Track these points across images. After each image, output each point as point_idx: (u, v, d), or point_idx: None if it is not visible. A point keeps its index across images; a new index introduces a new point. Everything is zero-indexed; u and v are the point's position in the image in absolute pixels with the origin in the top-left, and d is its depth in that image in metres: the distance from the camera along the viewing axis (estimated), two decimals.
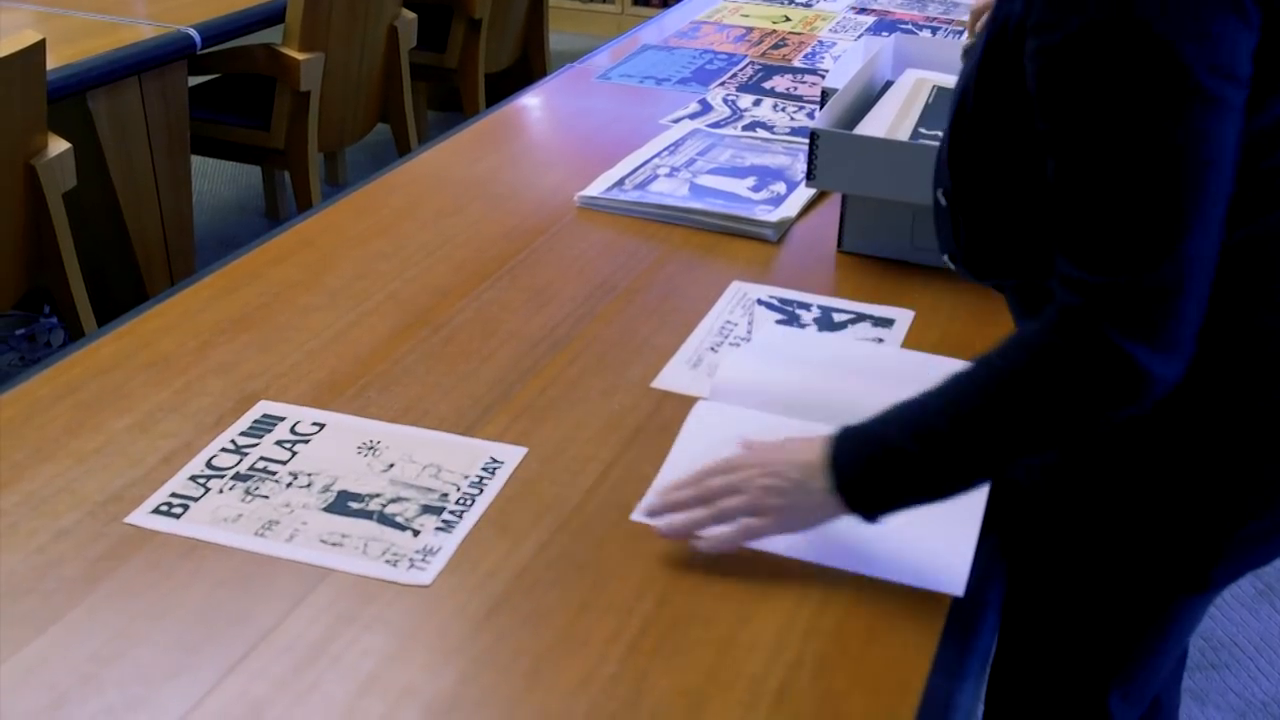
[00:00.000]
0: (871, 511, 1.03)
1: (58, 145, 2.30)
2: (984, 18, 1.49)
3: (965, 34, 1.57)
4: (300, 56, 2.92)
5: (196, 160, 3.03)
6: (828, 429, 1.05)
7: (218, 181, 4.05)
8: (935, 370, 1.28)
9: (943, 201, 1.15)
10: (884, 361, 1.38)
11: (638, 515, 1.12)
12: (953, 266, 1.19)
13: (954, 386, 1.01)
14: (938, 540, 1.09)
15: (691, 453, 1.20)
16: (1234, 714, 2.11)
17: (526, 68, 4.24)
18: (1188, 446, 1.06)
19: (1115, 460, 1.10)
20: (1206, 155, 0.90)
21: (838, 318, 1.49)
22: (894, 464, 1.00)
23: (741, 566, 1.07)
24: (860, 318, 1.49)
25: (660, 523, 1.08)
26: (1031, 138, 0.99)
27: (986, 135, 1.07)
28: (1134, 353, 0.92)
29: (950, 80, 1.82)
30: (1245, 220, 0.99)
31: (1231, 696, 2.15)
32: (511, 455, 1.21)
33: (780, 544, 1.08)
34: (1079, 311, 0.94)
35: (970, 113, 1.07)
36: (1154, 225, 0.91)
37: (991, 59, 1.03)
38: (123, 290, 2.81)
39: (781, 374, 1.31)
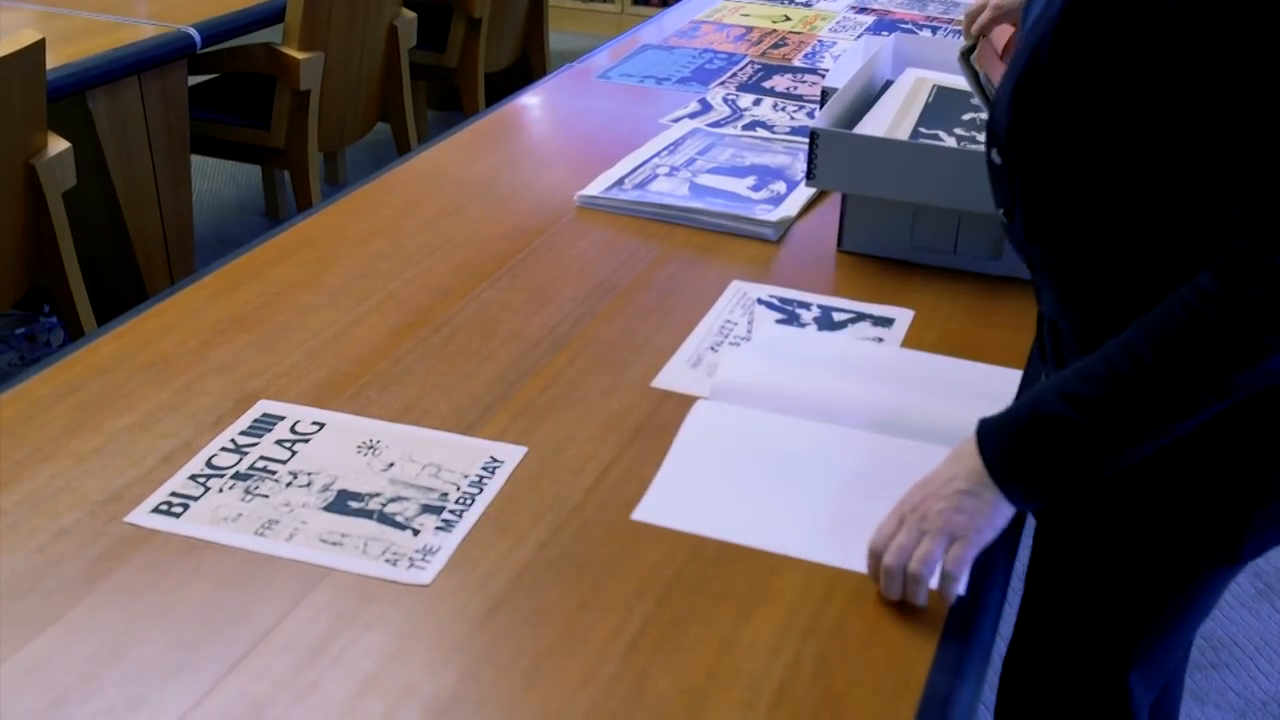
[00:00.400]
0: (1032, 488, 1.02)
1: (57, 145, 2.29)
2: (980, 18, 1.49)
3: (963, 36, 1.57)
4: (300, 56, 2.92)
5: (196, 160, 3.03)
6: (827, 427, 1.05)
7: (217, 181, 4.05)
8: (934, 369, 1.29)
9: (997, 160, 1.15)
10: (883, 361, 1.38)
11: None
12: (1006, 222, 1.19)
13: (1107, 353, 1.01)
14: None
15: (691, 453, 1.20)
16: (1234, 713, 2.11)
17: (526, 67, 4.24)
18: (1222, 417, 1.07)
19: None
20: None
21: (837, 317, 1.49)
22: (1054, 434, 1.01)
23: (741, 566, 1.07)
24: (860, 317, 1.49)
25: (891, 593, 1.04)
26: (1116, 95, 1.00)
27: (1062, 92, 1.05)
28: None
29: (950, 80, 1.82)
30: None
31: (1231, 696, 2.15)
32: (511, 455, 1.21)
33: (784, 544, 1.09)
34: (1251, 253, 0.94)
35: (1043, 69, 1.06)
36: None
37: (1080, 18, 1.02)
38: (122, 290, 2.81)
39: (781, 374, 1.32)
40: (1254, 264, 0.95)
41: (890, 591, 1.03)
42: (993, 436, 1.04)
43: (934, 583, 1.03)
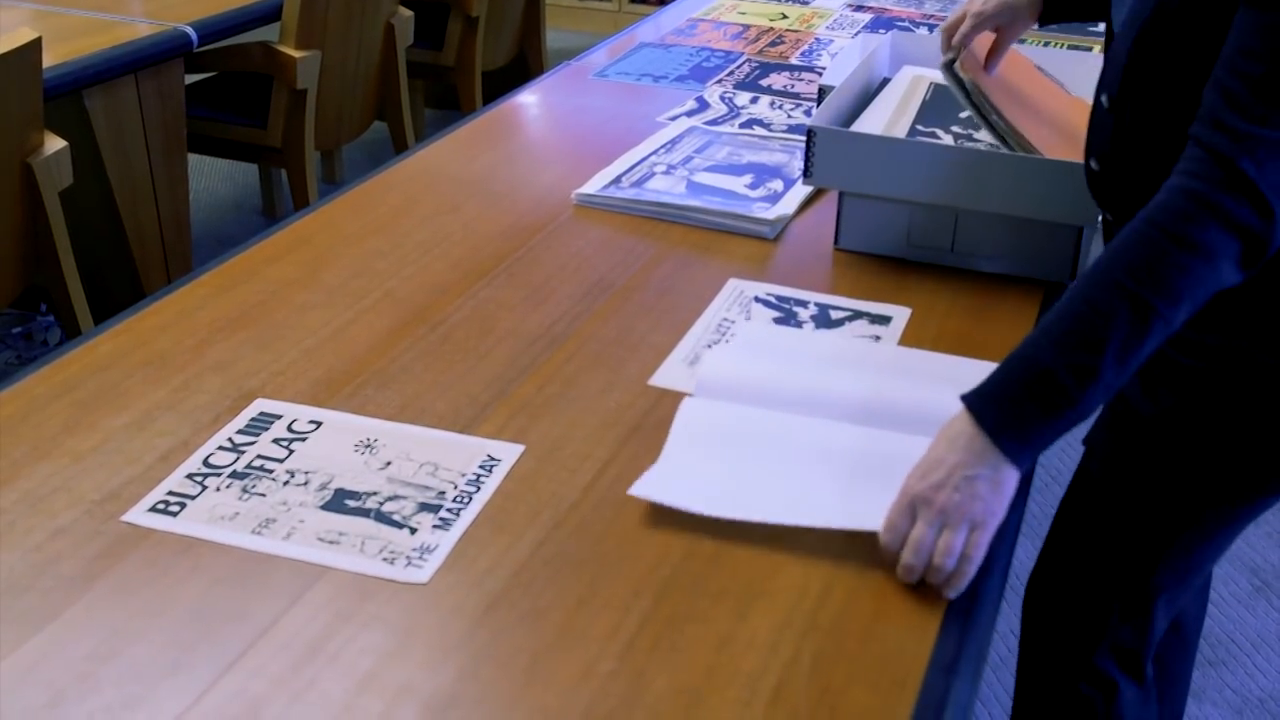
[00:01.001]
0: (1039, 444, 1.04)
1: (54, 143, 2.29)
2: (961, 29, 1.53)
3: (941, 49, 1.59)
4: (297, 54, 2.92)
5: (193, 158, 3.03)
6: (815, 421, 1.05)
7: (214, 179, 4.04)
8: (922, 364, 1.29)
9: (1105, 104, 1.20)
10: (871, 357, 1.38)
11: None
12: (1095, 169, 1.23)
13: (1083, 279, 1.04)
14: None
15: (685, 450, 1.21)
16: (1231, 710, 2.11)
17: (523, 65, 4.24)
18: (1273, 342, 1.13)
19: (1218, 364, 1.17)
20: None
21: (835, 315, 1.49)
22: (1051, 387, 1.02)
23: (738, 564, 1.07)
24: (857, 315, 1.49)
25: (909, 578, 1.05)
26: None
27: (1189, 34, 1.09)
28: (1267, 193, 0.97)
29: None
30: None
31: (1229, 693, 2.15)
32: (509, 453, 1.21)
33: (788, 514, 1.10)
34: (1222, 152, 0.99)
35: (1174, 8, 1.10)
36: None
37: None
38: (119, 288, 2.80)
39: (765, 369, 1.32)
40: (1217, 154, 1.00)
41: (908, 579, 1.04)
42: (989, 409, 1.04)
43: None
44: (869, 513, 1.09)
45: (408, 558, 1.06)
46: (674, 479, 1.15)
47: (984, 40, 1.59)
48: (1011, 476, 1.04)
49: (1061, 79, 1.79)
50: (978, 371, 1.09)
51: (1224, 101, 1.01)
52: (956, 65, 1.55)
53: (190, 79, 3.02)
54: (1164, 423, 1.23)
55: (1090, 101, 1.26)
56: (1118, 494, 1.31)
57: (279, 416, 1.26)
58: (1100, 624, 1.35)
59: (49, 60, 2.34)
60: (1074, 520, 1.37)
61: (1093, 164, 1.25)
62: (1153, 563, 1.30)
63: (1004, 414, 1.04)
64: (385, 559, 1.06)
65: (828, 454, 1.19)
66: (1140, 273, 1.01)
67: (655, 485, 1.14)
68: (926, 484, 1.05)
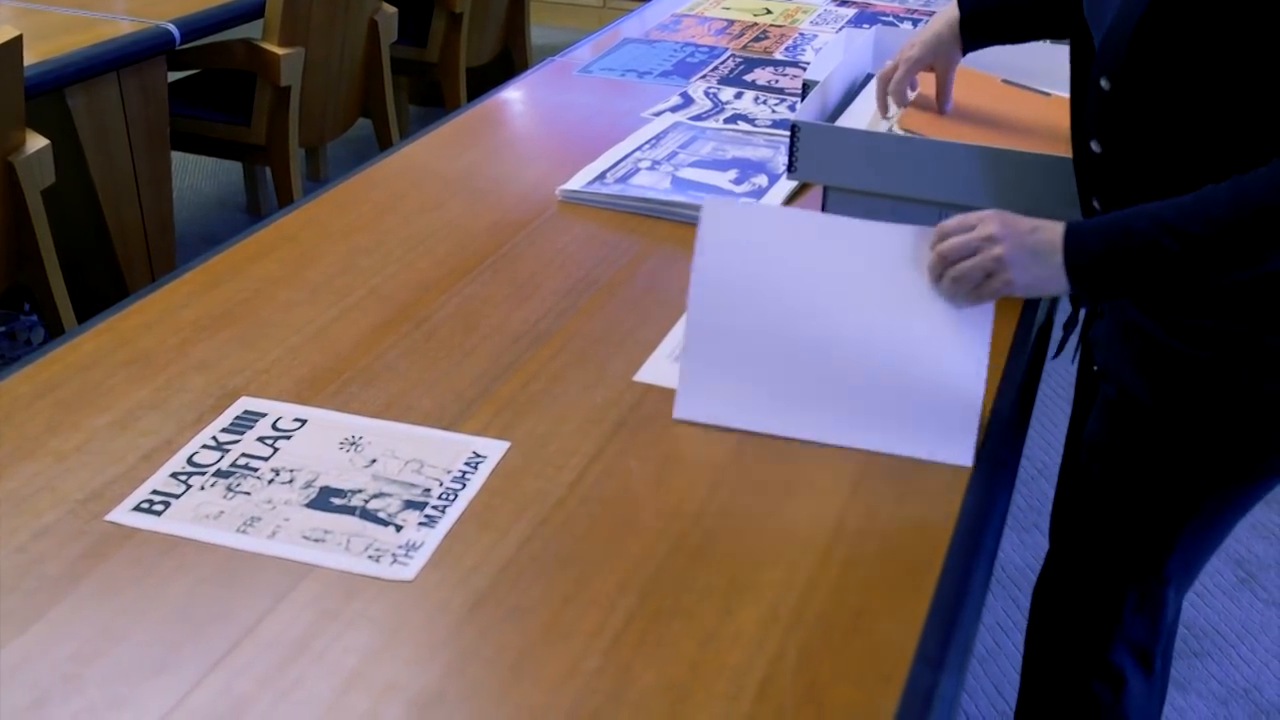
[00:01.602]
0: (1098, 295, 1.15)
1: (36, 142, 2.28)
2: (895, 79, 1.55)
3: (879, 107, 1.62)
4: (280, 51, 2.91)
5: (177, 156, 3.02)
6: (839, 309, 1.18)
7: (198, 177, 4.03)
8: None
9: (1105, 86, 1.20)
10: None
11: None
12: (1096, 150, 1.23)
13: (1212, 194, 1.08)
14: (943, 414, 1.18)
15: (718, 257, 1.24)
16: (1216, 701, 2.12)
17: (508, 62, 4.24)
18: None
19: (1218, 347, 1.18)
20: None
21: None
22: (1144, 256, 1.10)
23: (724, 559, 1.07)
24: None
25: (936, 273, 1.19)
26: (1241, 21, 1.06)
27: (1192, 19, 1.11)
28: None
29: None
30: None
31: (1214, 684, 2.16)
32: (494, 450, 1.21)
33: (795, 428, 1.17)
34: None
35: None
36: None
37: None
38: (103, 287, 2.79)
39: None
40: None
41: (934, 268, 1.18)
42: (1083, 246, 1.12)
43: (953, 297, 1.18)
44: (855, 429, 1.16)
45: (393, 555, 1.06)
46: (708, 395, 1.20)
47: (927, 82, 1.62)
48: (1060, 286, 1.14)
49: (1037, 71, 1.78)
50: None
51: None
52: (895, 126, 1.56)
53: (173, 76, 3.01)
54: (1166, 410, 1.24)
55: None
56: (1123, 488, 1.31)
57: (263, 415, 1.25)
58: (1113, 618, 1.36)
59: (30, 58, 2.33)
60: (1078, 520, 1.38)
61: (1094, 145, 1.25)
62: (1163, 553, 1.31)
63: (1092, 258, 1.12)
64: (371, 557, 1.06)
65: (851, 353, 1.22)
66: None
67: (695, 405, 1.19)
68: (1003, 225, 1.16)
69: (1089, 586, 1.38)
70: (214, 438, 1.21)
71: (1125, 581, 1.34)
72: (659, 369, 1.36)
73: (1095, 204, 1.28)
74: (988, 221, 1.17)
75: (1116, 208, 1.19)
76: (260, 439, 1.21)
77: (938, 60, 1.57)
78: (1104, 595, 1.36)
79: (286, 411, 1.26)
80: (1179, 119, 1.15)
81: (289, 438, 1.22)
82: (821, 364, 1.21)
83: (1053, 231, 1.14)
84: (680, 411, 1.23)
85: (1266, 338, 1.17)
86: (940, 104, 1.59)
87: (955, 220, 1.20)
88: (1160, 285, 1.13)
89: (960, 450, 1.17)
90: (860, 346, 1.22)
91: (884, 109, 1.60)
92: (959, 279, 1.17)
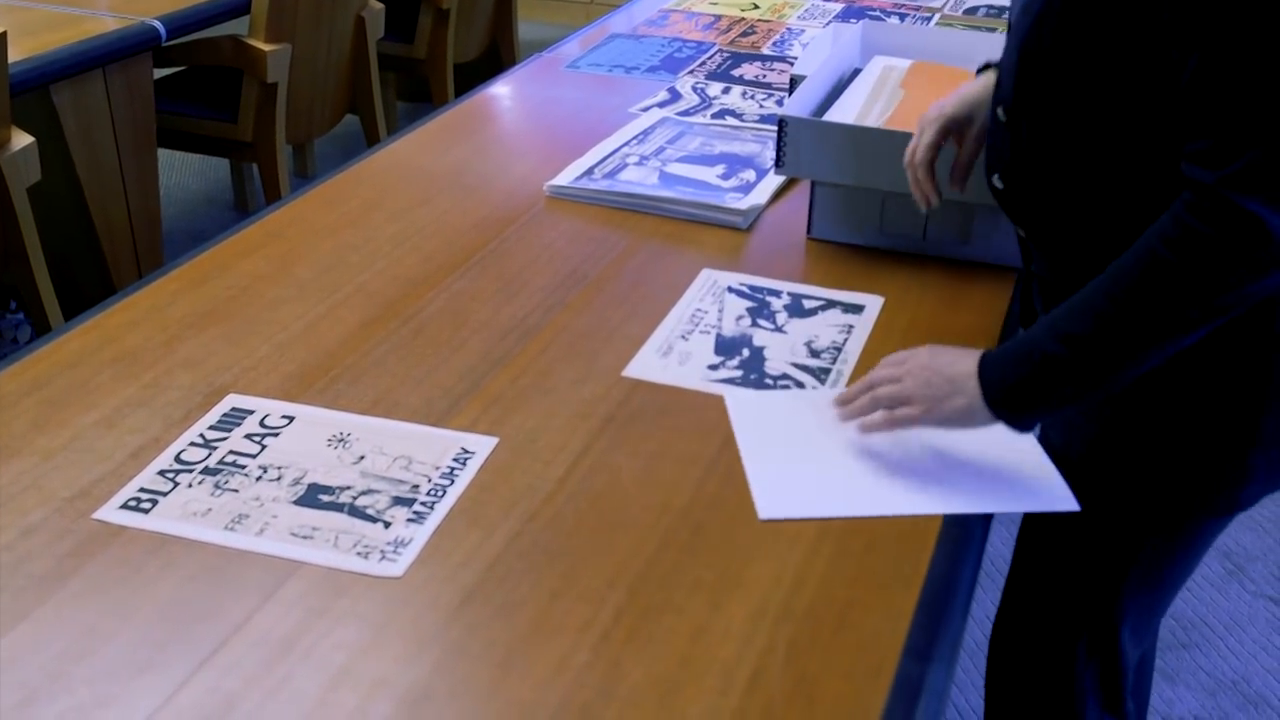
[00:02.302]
0: (1020, 418, 1.11)
1: (21, 139, 2.27)
2: (919, 160, 1.39)
3: (923, 198, 1.42)
4: (267, 48, 2.90)
5: (164, 153, 3.01)
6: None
7: (185, 174, 4.02)
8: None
9: (1001, 116, 1.19)
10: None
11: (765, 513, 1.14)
12: (999, 186, 1.21)
13: (1093, 288, 1.06)
14: (1018, 468, 1.17)
15: (763, 456, 1.21)
16: (1204, 692, 2.13)
17: (495, 57, 4.23)
18: (1213, 373, 1.11)
19: (1143, 391, 1.14)
20: None
21: (808, 304, 1.49)
22: (1042, 369, 1.07)
23: (713, 554, 1.07)
24: (830, 304, 1.49)
25: (842, 415, 1.19)
26: (1115, 51, 1.04)
27: (1066, 56, 1.09)
28: (1262, 215, 0.97)
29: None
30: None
31: (1202, 675, 2.17)
32: (483, 445, 1.21)
33: (895, 505, 1.13)
34: (1208, 187, 0.99)
35: (1058, 9, 1.09)
36: None
37: None
38: (90, 285, 2.78)
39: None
40: (1208, 200, 0.99)
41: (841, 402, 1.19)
42: (993, 372, 1.10)
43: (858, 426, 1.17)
44: (968, 497, 1.14)
45: (382, 552, 1.06)
46: (784, 491, 1.16)
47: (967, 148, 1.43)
48: (977, 415, 1.12)
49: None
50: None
51: None
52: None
53: (159, 73, 3.00)
54: (1092, 460, 1.21)
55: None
56: (1062, 538, 1.28)
57: (251, 412, 1.25)
58: (1067, 666, 1.32)
59: (15, 55, 2.32)
60: (1028, 564, 1.34)
61: (996, 181, 1.23)
62: (1108, 601, 1.27)
63: (1003, 380, 1.10)
64: (359, 553, 1.06)
65: (905, 437, 1.21)
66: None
67: (776, 503, 1.14)
68: (924, 354, 1.16)
69: (1039, 635, 1.34)
70: (201, 435, 1.21)
71: (1075, 629, 1.30)
72: (647, 364, 1.36)
73: (1019, 233, 1.26)
74: (909, 377, 1.16)
75: (1037, 238, 1.18)
76: (248, 436, 1.21)
77: (975, 115, 1.37)
78: (1055, 644, 1.32)
79: (274, 408, 1.26)
80: (1068, 154, 1.13)
81: (277, 435, 1.21)
82: (885, 458, 1.20)
83: (967, 365, 1.13)
84: (765, 512, 1.14)
85: (1173, 380, 1.14)
86: (959, 177, 1.44)
87: (883, 371, 1.19)
88: (1071, 396, 1.09)
89: (1059, 497, 1.14)
90: (923, 446, 1.22)
91: (928, 196, 1.40)
92: (878, 399, 1.17)
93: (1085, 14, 1.06)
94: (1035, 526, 1.31)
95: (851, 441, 1.21)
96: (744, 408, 1.28)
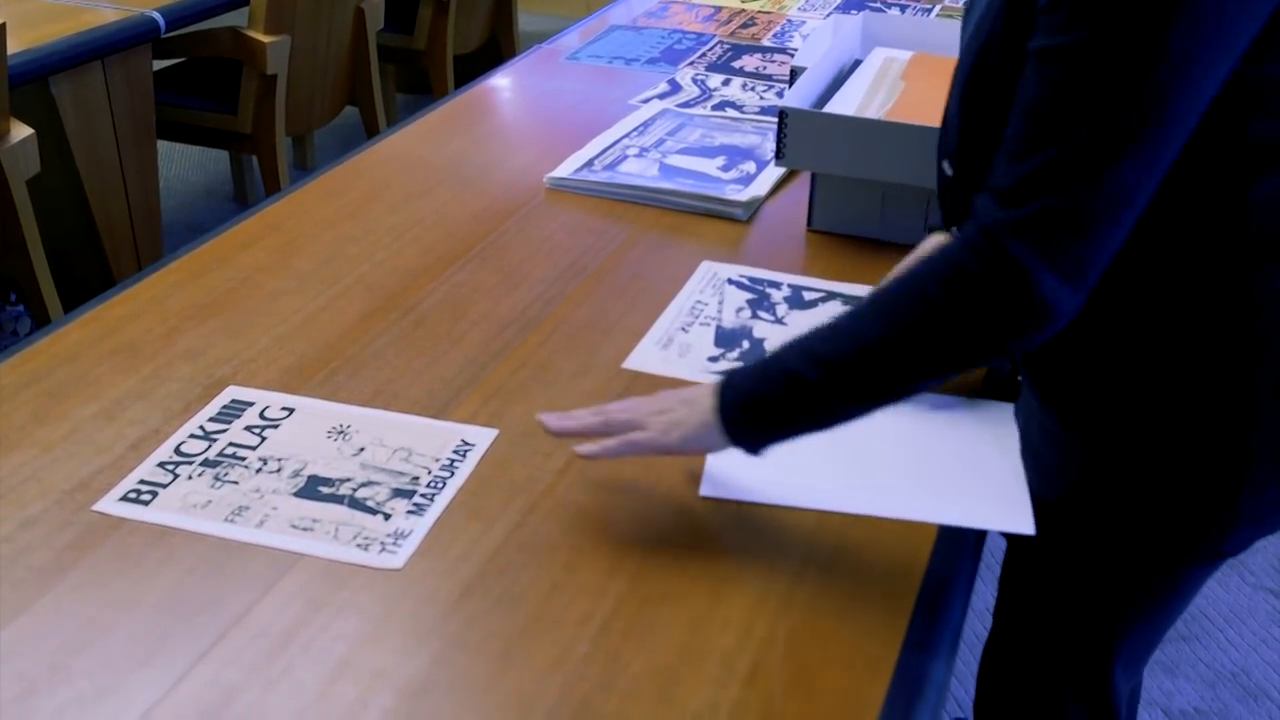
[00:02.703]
0: (753, 435, 1.04)
1: (20, 131, 2.27)
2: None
3: None
4: (266, 39, 2.89)
5: (163, 145, 3.00)
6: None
7: (185, 166, 4.01)
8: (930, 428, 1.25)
9: (948, 171, 1.13)
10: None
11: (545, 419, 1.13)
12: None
13: (855, 314, 1.01)
14: (989, 485, 1.14)
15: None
16: (1204, 684, 2.13)
17: (495, 49, 4.22)
18: (1195, 419, 1.06)
19: (1123, 438, 1.10)
20: (1183, 78, 0.87)
21: (808, 296, 1.49)
22: (788, 389, 1.01)
23: (713, 544, 1.07)
24: (830, 296, 1.49)
25: (554, 425, 1.11)
26: None
27: (1010, 87, 1.01)
28: (1034, 273, 0.91)
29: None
30: (1244, 183, 0.98)
31: (1201, 667, 2.17)
32: (483, 437, 1.20)
33: (843, 503, 1.11)
34: (992, 227, 0.93)
35: (993, 63, 1.03)
36: (1085, 147, 0.89)
37: (1014, 10, 0.99)
38: (90, 277, 2.78)
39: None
40: (988, 242, 0.93)
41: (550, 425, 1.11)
42: (731, 391, 1.04)
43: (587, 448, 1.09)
44: (923, 504, 1.11)
45: (382, 544, 1.06)
46: (734, 474, 1.15)
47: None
48: (709, 437, 1.05)
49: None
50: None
51: None
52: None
53: (159, 65, 3.00)
54: (1073, 505, 1.17)
55: None
56: (1048, 580, 1.24)
57: (251, 404, 1.25)
58: (1057, 702, 1.29)
59: (14, 46, 2.32)
60: (1012, 607, 1.31)
61: (955, 232, 1.15)
62: (1098, 642, 1.23)
63: (733, 383, 1.05)
64: (359, 545, 1.06)
65: (881, 440, 1.19)
66: None
67: (720, 484, 1.14)
68: (659, 395, 1.09)
69: (1026, 675, 1.31)
70: (201, 427, 1.21)
71: (1063, 670, 1.27)
72: (647, 356, 1.36)
73: None
74: (644, 403, 1.10)
75: None
76: (248, 428, 1.21)
77: None
78: (1042, 684, 1.29)
79: (274, 400, 1.26)
80: None
81: (277, 427, 1.21)
82: (860, 459, 1.18)
83: (703, 389, 1.07)
84: (706, 490, 1.15)
85: (1143, 423, 1.09)
86: None
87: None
88: (809, 422, 1.03)
89: (1019, 519, 1.10)
90: (895, 450, 1.20)
91: None
92: (610, 423, 1.10)
93: (1016, 63, 1.00)
94: (1017, 569, 1.27)
95: (827, 437, 1.20)
96: None
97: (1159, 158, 0.90)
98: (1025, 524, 1.09)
